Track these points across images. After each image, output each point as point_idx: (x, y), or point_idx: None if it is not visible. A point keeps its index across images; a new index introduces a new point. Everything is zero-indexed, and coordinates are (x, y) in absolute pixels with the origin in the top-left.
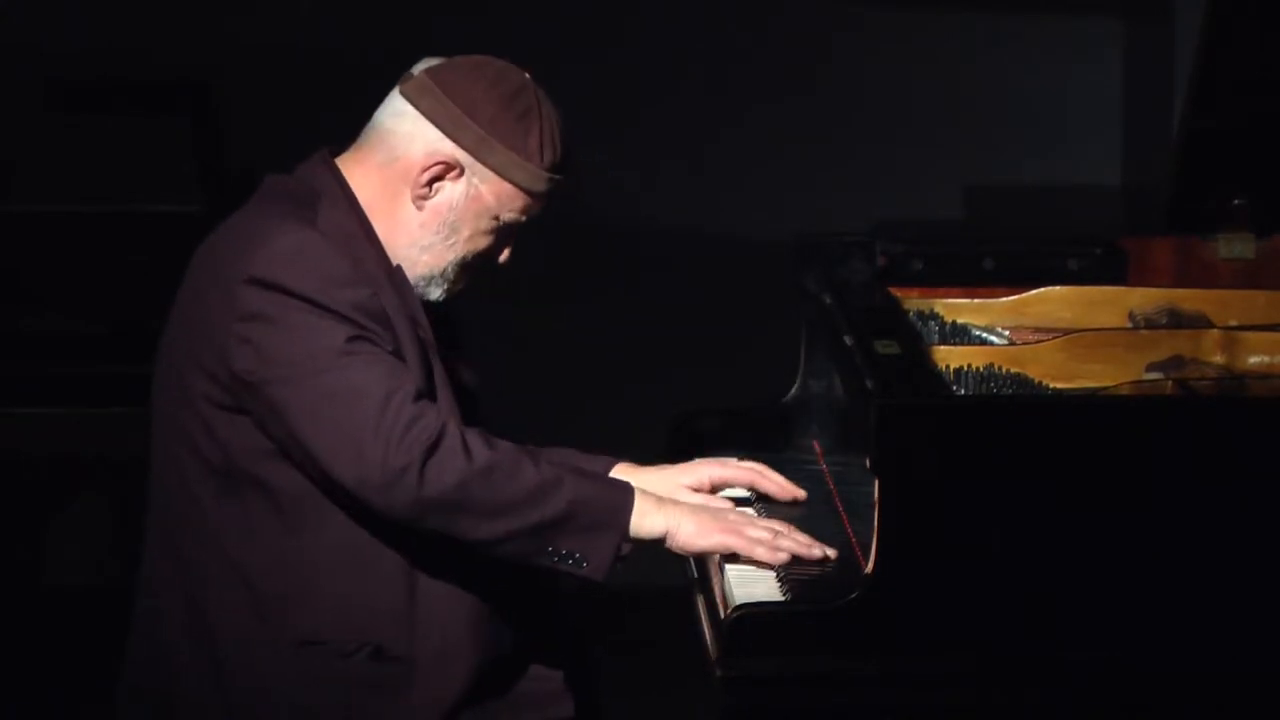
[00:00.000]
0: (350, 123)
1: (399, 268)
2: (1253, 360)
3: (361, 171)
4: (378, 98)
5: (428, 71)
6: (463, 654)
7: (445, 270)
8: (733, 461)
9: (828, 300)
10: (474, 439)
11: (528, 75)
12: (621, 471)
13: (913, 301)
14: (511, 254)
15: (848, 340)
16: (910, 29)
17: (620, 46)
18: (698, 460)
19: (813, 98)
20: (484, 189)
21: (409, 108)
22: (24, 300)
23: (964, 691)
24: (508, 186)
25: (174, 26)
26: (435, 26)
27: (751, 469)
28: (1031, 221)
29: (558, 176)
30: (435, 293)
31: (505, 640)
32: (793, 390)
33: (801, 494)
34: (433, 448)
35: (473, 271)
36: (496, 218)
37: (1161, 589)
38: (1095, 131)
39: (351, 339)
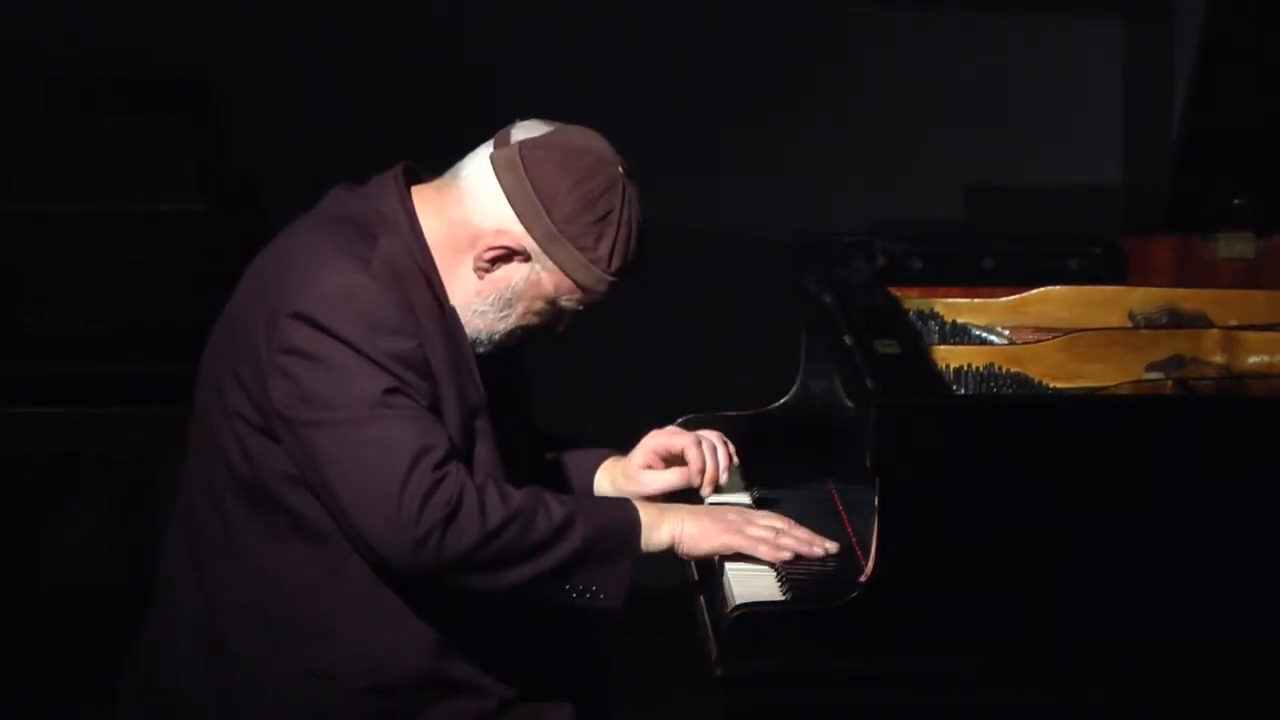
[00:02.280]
0: (350, 123)
1: (454, 310)
2: (1253, 360)
3: (435, 213)
4: (378, 98)
5: (521, 145)
6: (475, 692)
7: (494, 336)
8: (684, 433)
9: (828, 300)
10: (490, 497)
11: (621, 170)
12: (607, 468)
13: (913, 301)
14: (567, 329)
15: (848, 340)
16: (910, 29)
17: (620, 46)
18: (651, 433)
19: (813, 97)
20: (545, 278)
21: (492, 176)
22: (24, 300)
23: (964, 691)
24: (569, 281)
25: (174, 26)
26: (435, 26)
27: (700, 439)
28: (1031, 221)
29: (621, 282)
30: (480, 349)
31: (519, 680)
32: (793, 390)
33: (724, 477)
34: (452, 514)
35: (523, 339)
36: (553, 302)
37: (1161, 589)
38: (1095, 131)
39: (388, 391)
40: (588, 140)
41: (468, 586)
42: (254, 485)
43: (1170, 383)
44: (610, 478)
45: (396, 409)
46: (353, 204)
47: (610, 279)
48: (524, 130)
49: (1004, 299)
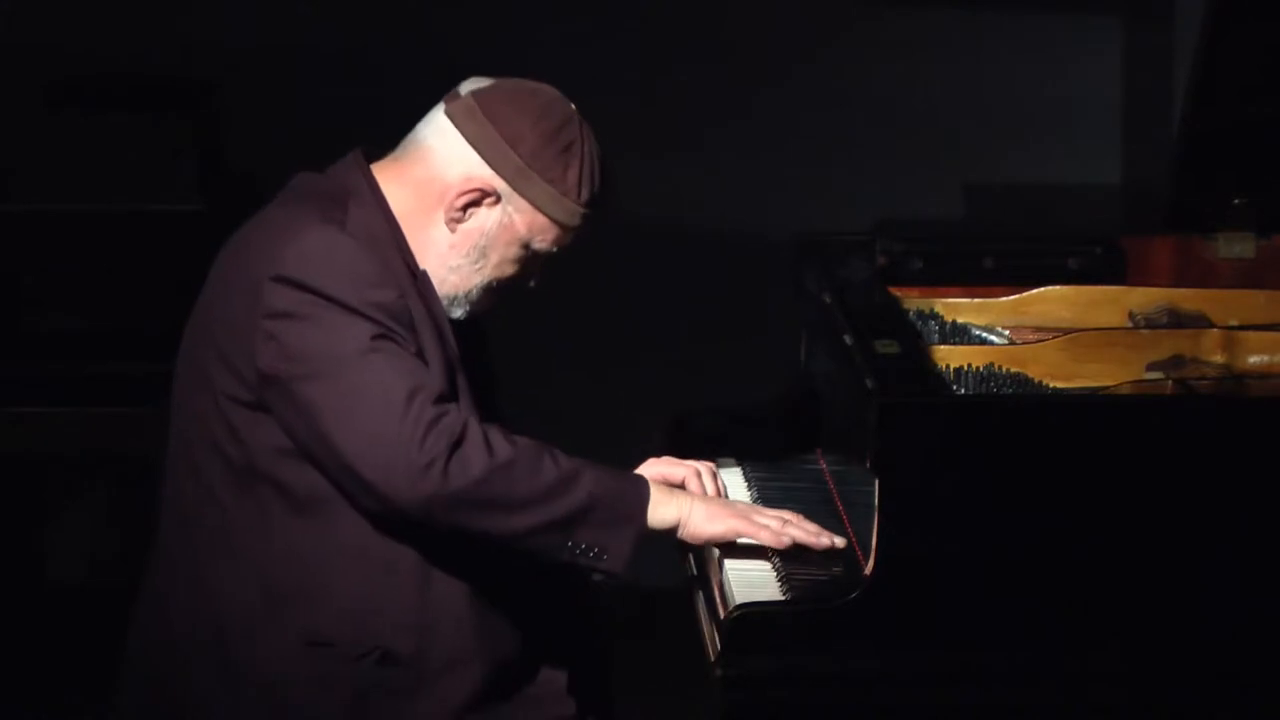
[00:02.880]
0: (350, 123)
1: (425, 274)
2: (1253, 360)
3: (397, 182)
4: (378, 98)
5: (475, 94)
6: (472, 661)
7: (470, 293)
8: (684, 462)
9: (828, 300)
10: (495, 435)
11: (574, 108)
12: None
13: (913, 301)
14: (540, 281)
15: (848, 340)
16: (910, 28)
17: (619, 45)
18: (652, 460)
19: (813, 97)
20: (518, 219)
21: (452, 128)
22: (24, 300)
23: (964, 691)
24: (542, 218)
25: (174, 26)
26: (435, 26)
27: (697, 468)
28: (1031, 221)
29: (592, 212)
30: (457, 312)
31: (515, 648)
32: (793, 390)
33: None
34: (457, 444)
35: (498, 295)
36: (527, 246)
37: (1161, 589)
38: (1095, 131)
39: (376, 336)
40: (536, 83)
41: (469, 528)
42: (245, 466)
43: (1170, 383)
44: None
45: (385, 352)
46: (319, 183)
47: (581, 210)
48: (471, 84)
49: (1004, 299)
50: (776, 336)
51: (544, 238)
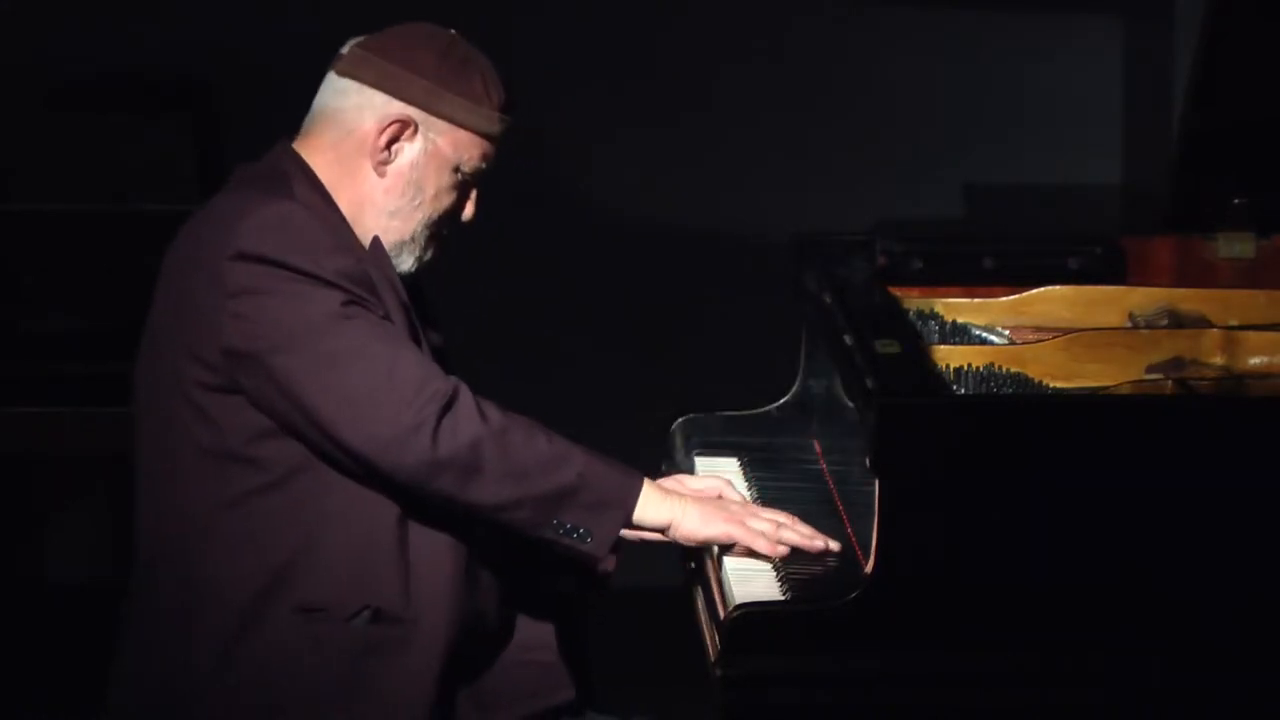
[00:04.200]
0: None
1: (375, 240)
2: (1253, 360)
3: (318, 155)
4: None
5: (359, 44)
6: (459, 613)
7: (415, 234)
8: (688, 480)
9: (828, 300)
10: (488, 403)
11: (453, 31)
12: None
13: (913, 301)
14: (476, 210)
15: (848, 340)
16: (910, 28)
17: (619, 45)
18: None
19: (813, 97)
20: (441, 141)
21: (350, 82)
22: (24, 300)
23: (964, 691)
24: (463, 134)
25: (174, 26)
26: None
27: (708, 487)
28: (1031, 221)
29: (508, 116)
30: (408, 261)
31: (490, 595)
32: (793, 390)
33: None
34: (447, 406)
35: (440, 235)
36: (457, 169)
37: (1161, 589)
38: (1095, 131)
39: (346, 303)
40: (409, 23)
41: (456, 496)
42: (219, 450)
43: (1170, 383)
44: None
45: (358, 318)
46: (258, 170)
47: (498, 114)
48: (351, 42)
49: (1004, 299)
50: (776, 336)
51: (470, 154)
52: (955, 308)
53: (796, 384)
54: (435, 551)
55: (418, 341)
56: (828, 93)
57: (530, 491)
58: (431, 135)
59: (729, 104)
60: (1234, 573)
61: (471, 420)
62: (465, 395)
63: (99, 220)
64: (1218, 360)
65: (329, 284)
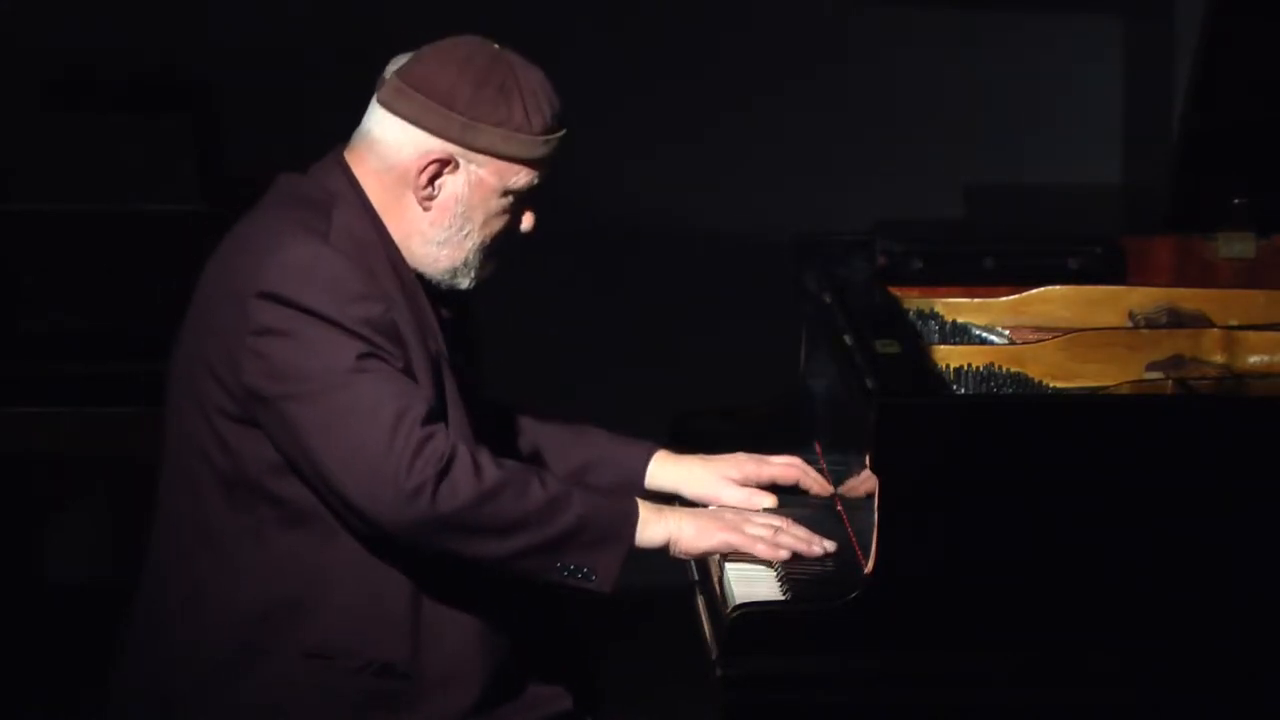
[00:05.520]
0: (350, 123)
1: (416, 278)
2: (1253, 360)
3: (369, 178)
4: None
5: (397, 73)
6: (470, 672)
7: (468, 259)
8: (771, 458)
9: (828, 300)
10: (484, 458)
11: (497, 46)
12: (660, 460)
13: (913, 301)
14: (536, 219)
15: (848, 340)
16: (910, 28)
17: (618, 45)
18: (738, 454)
19: (813, 96)
20: (483, 173)
21: (388, 114)
22: (24, 300)
23: (964, 691)
24: (505, 163)
25: (174, 27)
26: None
27: (790, 464)
28: (1031, 221)
29: (554, 137)
30: (464, 282)
31: (509, 653)
32: (793, 390)
33: (829, 488)
34: (445, 469)
35: (496, 250)
36: (506, 194)
37: (1161, 588)
38: (1095, 131)
39: (363, 355)
40: (453, 38)
41: (458, 553)
42: (237, 479)
43: (1170, 383)
44: (679, 471)
45: (372, 372)
46: (301, 186)
47: (541, 138)
48: (394, 64)
49: (1004, 299)
50: (776, 336)
51: (517, 179)
52: (955, 308)
53: (796, 384)
54: (452, 612)
55: (442, 389)
56: (828, 93)
57: (532, 541)
58: (473, 168)
59: (729, 104)
60: (1234, 573)
61: (468, 480)
62: (463, 455)
63: (99, 220)
64: (1218, 360)
65: (349, 333)
